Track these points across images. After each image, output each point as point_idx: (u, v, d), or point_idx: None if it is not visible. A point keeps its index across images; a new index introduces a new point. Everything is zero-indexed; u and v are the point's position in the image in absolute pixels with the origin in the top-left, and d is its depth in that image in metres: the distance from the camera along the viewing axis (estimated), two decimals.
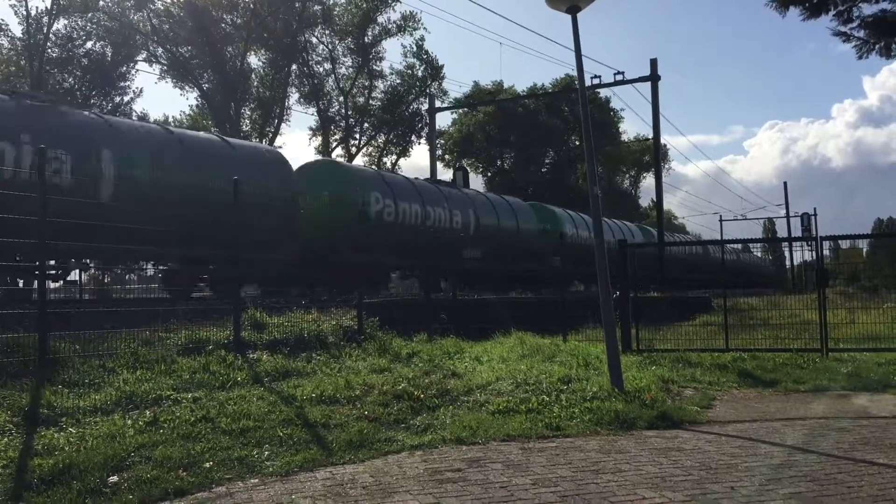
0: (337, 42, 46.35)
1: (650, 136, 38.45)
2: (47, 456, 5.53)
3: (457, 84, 73.49)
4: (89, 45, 38.86)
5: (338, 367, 9.58)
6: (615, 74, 33.28)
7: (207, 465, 5.56)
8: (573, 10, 9.09)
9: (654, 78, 32.42)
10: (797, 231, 59.28)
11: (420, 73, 48.55)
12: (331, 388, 8.00)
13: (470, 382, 8.75)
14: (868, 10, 13.48)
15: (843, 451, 6.12)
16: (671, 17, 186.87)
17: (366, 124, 49.22)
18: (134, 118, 35.06)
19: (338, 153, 47.04)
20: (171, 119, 47.67)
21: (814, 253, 13.81)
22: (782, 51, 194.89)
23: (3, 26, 37.56)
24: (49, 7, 35.71)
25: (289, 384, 8.31)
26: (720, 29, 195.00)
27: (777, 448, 6.26)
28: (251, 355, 9.56)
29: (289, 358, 9.69)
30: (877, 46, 13.64)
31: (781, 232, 79.67)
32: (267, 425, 6.55)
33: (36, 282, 9.20)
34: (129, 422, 6.45)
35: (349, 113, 47.79)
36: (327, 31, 45.49)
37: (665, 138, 36.29)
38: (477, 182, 60.46)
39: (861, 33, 13.59)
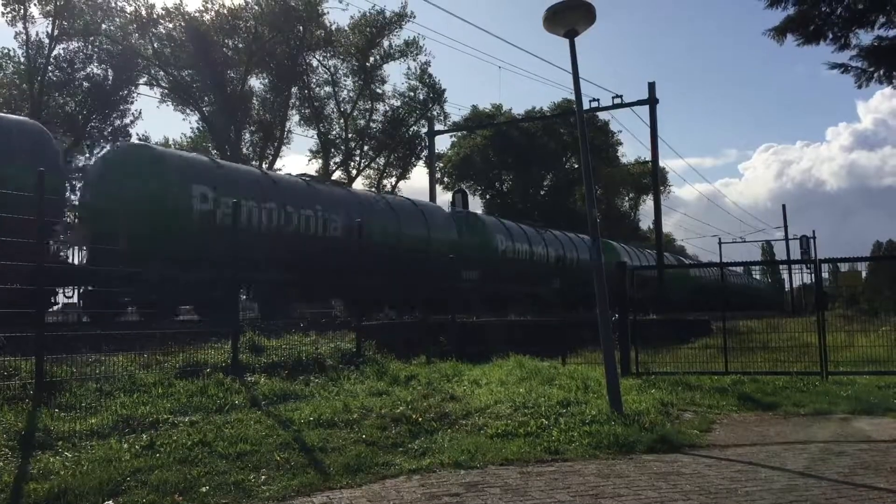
0: (339, 64, 46.73)
1: (648, 157, 38.61)
2: (43, 480, 5.49)
3: (456, 107, 74.23)
4: (90, 68, 39.11)
5: (336, 390, 9.55)
6: (613, 98, 33.51)
7: (204, 489, 5.53)
8: (571, 35, 9.17)
9: (652, 101, 32.60)
10: (796, 254, 59.28)
11: (421, 97, 48.89)
12: (329, 411, 7.97)
13: (468, 406, 8.72)
14: (865, 36, 13.63)
15: (844, 475, 6.08)
16: (665, 40, 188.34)
17: (366, 147, 49.43)
18: (135, 139, 35.22)
19: (338, 175, 47.23)
20: (171, 142, 47.82)
21: (813, 276, 13.78)
22: (776, 74, 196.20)
23: (11, 53, 37.87)
24: (50, 31, 35.99)
25: (286, 407, 8.28)
26: (712, 52, 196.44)
27: (777, 472, 6.22)
28: (249, 378, 9.53)
29: (287, 381, 9.65)
30: (876, 74, 13.76)
31: (780, 254, 79.70)
32: (264, 449, 6.51)
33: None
34: (126, 445, 6.41)
35: (350, 136, 48.00)
36: (329, 55, 45.84)
37: (661, 160, 36.73)
38: (476, 204, 60.66)
39: (859, 62, 13.73)
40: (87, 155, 17.42)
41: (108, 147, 17.59)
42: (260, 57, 41.67)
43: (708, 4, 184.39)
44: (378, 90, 47.86)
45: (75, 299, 15.97)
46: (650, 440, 7.31)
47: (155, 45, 39.90)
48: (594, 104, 33.67)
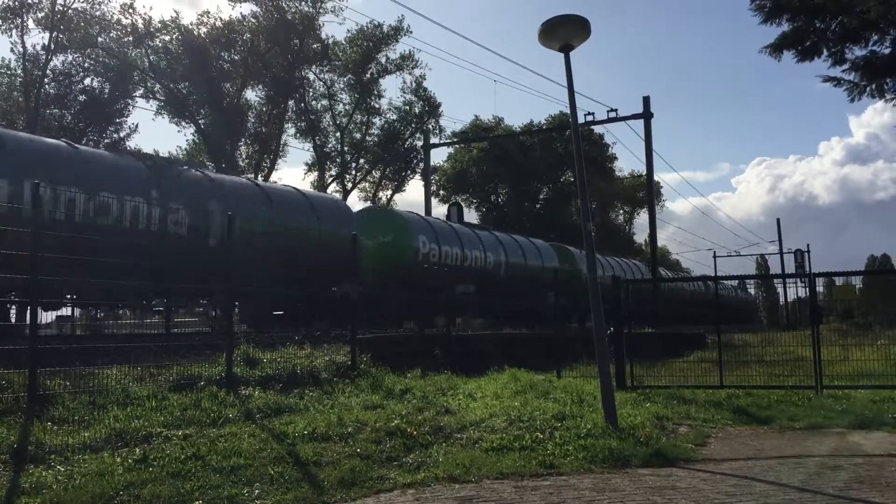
0: (335, 78, 46.85)
1: (642, 171, 38.73)
2: (35, 494, 5.46)
3: (452, 120, 74.38)
4: (87, 81, 39.09)
5: (330, 403, 9.52)
6: (608, 112, 33.59)
7: (197, 503, 5.50)
8: (566, 49, 9.23)
9: (646, 115, 32.72)
10: (790, 267, 59.32)
11: (417, 110, 49.01)
12: (323, 424, 7.94)
13: (463, 419, 8.70)
14: (858, 51, 13.73)
15: (839, 489, 6.08)
16: (659, 54, 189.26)
17: (361, 160, 49.51)
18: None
19: (333, 188, 47.27)
20: (167, 154, 47.74)
21: (807, 289, 13.79)
22: (768, 88, 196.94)
23: (10, 65, 37.88)
24: (47, 44, 35.99)
25: (281, 421, 8.25)
26: (705, 66, 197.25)
27: (772, 487, 6.21)
28: (243, 391, 9.49)
29: (281, 394, 9.61)
30: (868, 88, 13.84)
31: (774, 268, 79.82)
32: (258, 463, 6.48)
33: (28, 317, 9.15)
34: (119, 459, 6.37)
35: (345, 149, 48.07)
36: (325, 68, 45.96)
37: (655, 174, 36.67)
38: (471, 217, 60.60)
39: (851, 76, 13.81)
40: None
41: (362, 209, 25.80)
42: (256, 70, 41.74)
43: (702, 19, 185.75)
44: (374, 104, 48.01)
45: None
46: (645, 454, 7.31)
47: (151, 57, 39.94)
48: (589, 118, 33.74)
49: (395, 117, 49.18)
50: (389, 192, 51.48)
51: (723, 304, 48.31)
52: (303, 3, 41.46)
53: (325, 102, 47.35)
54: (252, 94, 44.43)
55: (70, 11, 36.16)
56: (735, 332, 21.22)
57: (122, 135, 40.60)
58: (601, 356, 9.01)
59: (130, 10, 38.06)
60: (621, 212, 76.73)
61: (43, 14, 35.61)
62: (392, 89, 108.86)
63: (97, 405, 8.12)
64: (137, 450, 6.70)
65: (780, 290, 76.33)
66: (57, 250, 9.38)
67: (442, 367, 13.56)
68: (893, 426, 9.18)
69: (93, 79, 39.32)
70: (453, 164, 64.80)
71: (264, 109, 44.64)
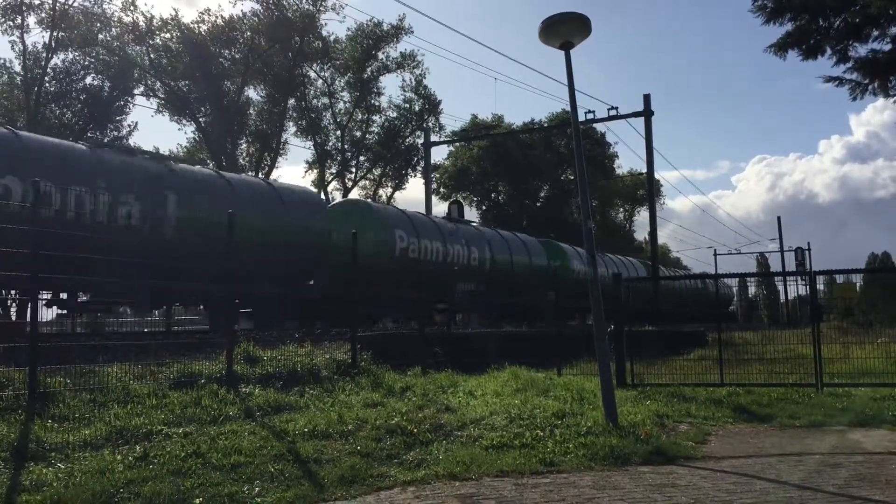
0: (337, 77, 46.85)
1: (643, 169, 38.68)
2: (35, 492, 5.46)
3: (452, 118, 74.41)
4: (88, 79, 39.07)
5: (331, 401, 9.52)
6: (609, 109, 33.50)
7: (197, 501, 5.50)
8: (566, 47, 9.22)
9: (647, 113, 32.65)
10: (791, 265, 59.28)
11: (417, 108, 49.02)
12: (323, 422, 7.94)
13: (464, 417, 8.70)
14: (861, 49, 13.74)
15: (840, 487, 6.07)
16: (659, 52, 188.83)
17: (362, 157, 49.56)
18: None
19: (333, 186, 47.30)
20: (167, 152, 47.75)
21: (808, 287, 13.79)
22: (769, 86, 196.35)
23: (7, 64, 37.91)
24: (48, 42, 35.98)
25: (281, 419, 8.25)
26: (705, 64, 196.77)
27: (773, 485, 6.21)
28: (243, 389, 9.49)
29: (281, 392, 9.62)
30: (870, 87, 13.84)
31: (775, 266, 79.78)
32: (258, 461, 6.48)
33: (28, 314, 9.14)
34: (119, 457, 6.38)
35: (346, 147, 48.09)
36: (326, 66, 45.96)
37: (655, 172, 36.34)
38: (471, 215, 60.65)
39: (854, 75, 13.82)
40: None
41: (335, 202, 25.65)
42: (257, 68, 41.73)
43: (702, 18, 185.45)
44: (374, 102, 48.03)
45: None
46: (645, 452, 7.30)
47: (152, 55, 39.94)
48: (590, 116, 33.66)
49: (395, 115, 49.27)
50: (390, 190, 51.57)
51: (720, 302, 48.30)
52: (303, 0, 41.47)
53: (325, 100, 47.40)
54: (253, 92, 44.50)
55: (71, 10, 36.16)
56: (736, 331, 21.21)
57: (122, 132, 40.63)
58: (601, 354, 9.00)
59: (132, 8, 38.08)
60: (621, 210, 76.73)
61: (44, 14, 35.62)
62: (392, 87, 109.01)
63: (97, 403, 8.12)
64: (138, 447, 6.70)
65: (780, 287, 76.24)
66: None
67: (442, 365, 13.56)
68: (894, 424, 9.17)
69: (94, 77, 39.36)
70: (454, 161, 64.82)
71: (265, 107, 44.68)
